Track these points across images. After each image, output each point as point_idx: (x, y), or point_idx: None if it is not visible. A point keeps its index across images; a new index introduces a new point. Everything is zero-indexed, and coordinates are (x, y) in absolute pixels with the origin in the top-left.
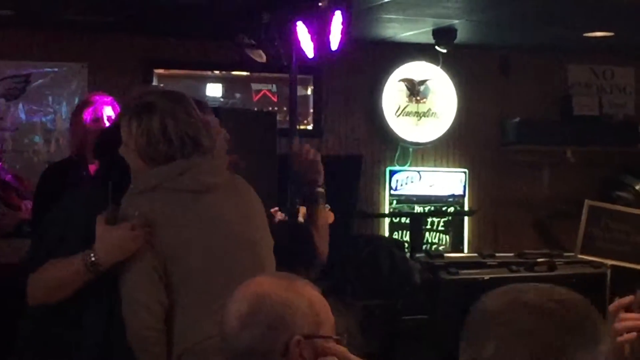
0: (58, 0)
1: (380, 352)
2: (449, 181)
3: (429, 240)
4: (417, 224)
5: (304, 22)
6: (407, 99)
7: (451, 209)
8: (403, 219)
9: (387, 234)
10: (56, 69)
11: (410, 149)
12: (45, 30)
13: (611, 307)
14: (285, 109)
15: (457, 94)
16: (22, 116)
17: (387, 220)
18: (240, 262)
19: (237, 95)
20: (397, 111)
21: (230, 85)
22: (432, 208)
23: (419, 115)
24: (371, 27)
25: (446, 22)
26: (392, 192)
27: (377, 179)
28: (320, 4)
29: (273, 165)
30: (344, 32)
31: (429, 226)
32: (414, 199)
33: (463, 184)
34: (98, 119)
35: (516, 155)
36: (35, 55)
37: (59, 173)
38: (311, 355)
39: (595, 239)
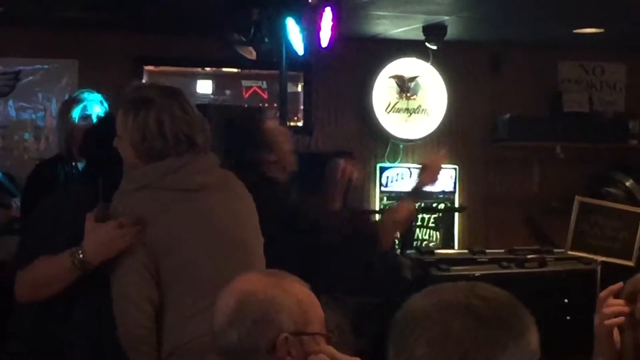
0: None
1: (371, 350)
2: (439, 178)
3: (420, 237)
4: None
5: (294, 19)
6: (397, 96)
7: (441, 206)
8: None
9: None
10: (46, 66)
11: (401, 146)
12: (35, 27)
13: (602, 293)
14: (275, 105)
15: (448, 90)
16: (12, 113)
17: (377, 216)
18: (229, 261)
19: (228, 92)
20: (387, 108)
21: (220, 82)
22: (423, 204)
23: (409, 111)
24: (361, 24)
25: (436, 18)
26: (383, 188)
27: (368, 175)
28: (310, 0)
29: None
30: (334, 29)
31: (419, 223)
32: (405, 195)
33: (453, 180)
34: (87, 117)
35: (506, 152)
36: (25, 52)
37: (48, 170)
38: (300, 353)
39: (586, 235)
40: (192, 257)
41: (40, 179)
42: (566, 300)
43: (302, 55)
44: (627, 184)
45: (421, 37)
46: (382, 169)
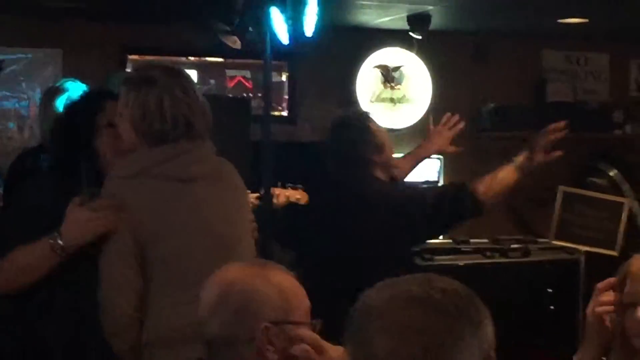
0: None
1: None
2: (423, 167)
3: None
4: None
5: (278, 8)
6: (382, 85)
7: None
8: None
9: None
10: (30, 55)
11: None
12: (19, 16)
13: (600, 284)
14: (260, 95)
15: (432, 80)
16: None
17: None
18: (210, 256)
19: (212, 81)
20: (371, 97)
21: (204, 71)
22: None
23: (394, 101)
24: (346, 13)
25: (420, 8)
26: None
27: None
28: None
29: (247, 152)
30: (319, 18)
31: None
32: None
33: (437, 170)
34: None
35: (490, 142)
36: (9, 41)
37: (31, 160)
38: (284, 342)
39: (570, 225)
40: (175, 250)
41: (21, 169)
42: (550, 290)
43: (287, 45)
44: (611, 174)
45: (406, 26)
46: None
